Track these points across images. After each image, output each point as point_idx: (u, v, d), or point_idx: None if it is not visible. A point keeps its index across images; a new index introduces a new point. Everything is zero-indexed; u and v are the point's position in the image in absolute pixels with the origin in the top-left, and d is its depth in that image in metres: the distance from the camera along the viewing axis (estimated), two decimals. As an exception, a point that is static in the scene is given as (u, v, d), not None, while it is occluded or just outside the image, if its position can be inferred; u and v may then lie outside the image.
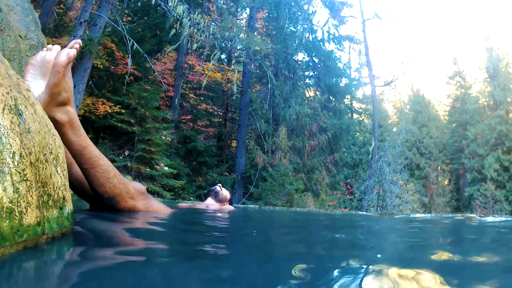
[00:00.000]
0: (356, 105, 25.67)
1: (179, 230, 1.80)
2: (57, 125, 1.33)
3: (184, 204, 3.24)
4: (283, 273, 0.80)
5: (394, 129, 24.59)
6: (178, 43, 11.43)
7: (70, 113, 1.41)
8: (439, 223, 2.81)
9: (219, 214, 2.70)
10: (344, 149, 17.57)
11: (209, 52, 14.11)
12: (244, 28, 12.55)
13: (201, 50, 15.81)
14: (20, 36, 3.40)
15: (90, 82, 10.25)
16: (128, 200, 1.62)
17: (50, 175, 1.22)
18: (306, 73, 17.48)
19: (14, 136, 1.00)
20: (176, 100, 14.62)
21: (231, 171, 14.59)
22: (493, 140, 22.61)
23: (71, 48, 1.29)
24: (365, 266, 0.88)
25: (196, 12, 10.51)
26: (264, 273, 0.81)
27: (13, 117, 1.03)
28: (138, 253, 1.24)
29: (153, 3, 9.78)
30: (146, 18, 13.43)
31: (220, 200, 3.17)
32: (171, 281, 0.88)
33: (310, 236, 1.79)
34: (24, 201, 0.99)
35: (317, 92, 16.82)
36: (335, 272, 0.82)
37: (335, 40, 16.99)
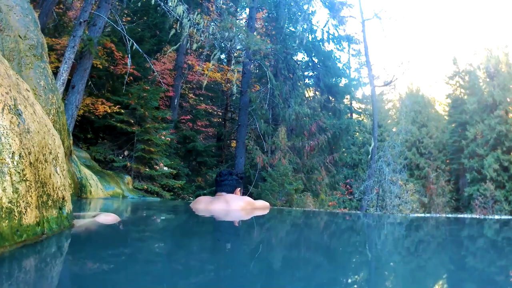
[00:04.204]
0: (355, 105, 25.65)
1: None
2: None
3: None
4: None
5: (394, 129, 24.56)
6: (178, 43, 11.43)
7: None
8: None
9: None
10: (343, 149, 17.55)
11: (208, 52, 14.11)
12: (244, 28, 12.53)
13: (200, 50, 15.81)
14: (19, 36, 3.40)
15: (90, 82, 10.24)
16: None
17: (50, 175, 1.22)
18: (306, 73, 17.47)
19: (14, 136, 1.00)
20: (176, 100, 14.61)
21: (230, 171, 14.55)
22: (492, 140, 22.59)
23: None
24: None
25: (196, 12, 10.50)
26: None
27: (12, 117, 1.03)
28: (136, 253, 1.25)
29: (152, 3, 9.77)
30: (145, 18, 13.42)
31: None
32: (167, 279, 0.88)
33: None
34: (23, 201, 0.99)
35: (317, 92, 16.81)
36: None
37: (335, 40, 16.98)
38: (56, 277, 0.85)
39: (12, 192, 0.92)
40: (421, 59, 60.84)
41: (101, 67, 10.39)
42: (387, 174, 14.04)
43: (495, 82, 24.01)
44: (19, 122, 1.03)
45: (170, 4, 9.12)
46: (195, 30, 10.10)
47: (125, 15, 13.61)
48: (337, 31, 16.81)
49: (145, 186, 9.66)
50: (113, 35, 10.73)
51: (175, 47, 11.49)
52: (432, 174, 22.84)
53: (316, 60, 16.60)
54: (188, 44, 14.23)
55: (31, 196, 1.00)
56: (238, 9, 18.40)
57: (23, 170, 0.98)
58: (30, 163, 1.03)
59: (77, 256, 1.07)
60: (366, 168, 17.88)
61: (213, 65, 13.47)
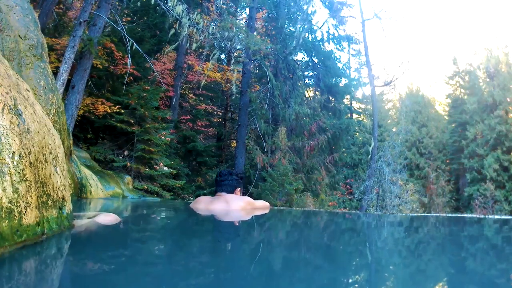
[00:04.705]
0: (355, 105, 25.65)
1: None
2: None
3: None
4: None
5: (394, 129, 24.57)
6: (177, 43, 11.42)
7: None
8: None
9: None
10: (343, 149, 17.55)
11: (208, 52, 14.10)
12: (244, 28, 12.52)
13: (200, 50, 15.81)
14: (19, 36, 3.40)
15: (90, 82, 10.23)
16: None
17: (50, 175, 1.22)
18: (306, 73, 17.47)
19: (14, 136, 1.00)
20: (176, 100, 14.61)
21: (230, 171, 14.55)
22: (492, 140, 22.59)
23: None
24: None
25: (196, 12, 10.50)
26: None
27: (12, 117, 1.03)
28: (136, 253, 1.25)
29: (152, 3, 9.76)
30: (145, 18, 13.42)
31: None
32: (165, 280, 0.88)
33: None
34: (23, 201, 0.99)
35: (317, 92, 16.80)
36: None
37: (335, 40, 16.97)
38: (56, 278, 0.85)
39: (12, 192, 0.91)
40: (421, 59, 60.83)
41: (101, 67, 10.39)
42: (387, 174, 14.04)
43: (495, 82, 24.00)
44: (19, 122, 1.02)
45: (169, 3, 9.12)
46: (194, 30, 10.09)
47: (125, 15, 13.61)
48: (337, 31, 16.81)
49: (145, 186, 9.66)
50: (113, 35, 10.72)
51: (173, 46, 11.47)
52: (432, 174, 22.85)
53: (316, 60, 16.60)
54: (188, 44, 14.23)
55: (31, 196, 1.00)
56: (238, 9, 18.39)
57: (23, 170, 0.98)
58: (30, 163, 1.03)
59: (77, 257, 1.07)
60: (366, 168, 17.87)
61: (212, 65, 13.47)
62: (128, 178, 9.18)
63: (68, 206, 1.32)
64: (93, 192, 5.25)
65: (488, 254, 1.69)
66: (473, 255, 1.62)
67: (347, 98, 21.37)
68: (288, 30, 15.27)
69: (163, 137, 10.81)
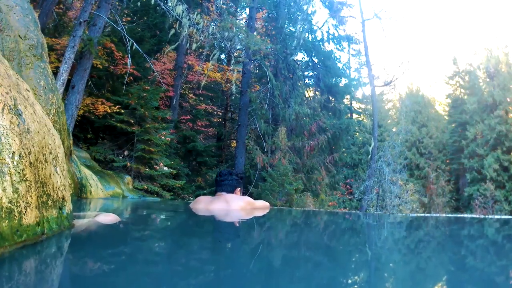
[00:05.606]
0: (355, 105, 25.65)
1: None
2: None
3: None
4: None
5: (394, 129, 24.56)
6: (178, 43, 11.42)
7: None
8: None
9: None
10: (343, 149, 17.54)
11: (208, 52, 14.10)
12: (244, 28, 12.52)
13: (200, 50, 15.81)
14: (19, 36, 3.40)
15: (90, 82, 10.23)
16: None
17: (50, 175, 1.22)
18: (306, 73, 17.47)
19: (14, 136, 1.00)
20: (176, 100, 14.61)
21: (230, 171, 14.54)
22: (492, 140, 22.58)
23: None
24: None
25: (196, 12, 10.50)
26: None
27: (12, 117, 1.04)
28: (136, 253, 1.25)
29: (152, 3, 9.77)
30: (145, 18, 13.42)
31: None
32: (165, 280, 0.88)
33: None
34: (23, 201, 0.99)
35: (317, 92, 16.80)
36: None
37: (335, 40, 16.97)
38: (56, 278, 0.85)
39: (12, 192, 0.92)
40: (421, 59, 60.83)
41: (101, 67, 10.39)
42: (387, 174, 14.03)
43: (495, 82, 24.00)
44: (19, 122, 1.03)
45: (169, 4, 9.12)
46: (194, 30, 10.10)
47: (125, 15, 13.61)
48: (337, 31, 16.82)
49: (145, 186, 9.66)
50: (113, 35, 10.72)
51: (173, 46, 11.47)
52: (432, 174, 22.84)
53: (316, 60, 16.59)
54: (188, 44, 14.24)
55: (31, 196, 1.00)
56: (238, 9, 18.40)
57: (23, 170, 0.98)
58: (30, 163, 1.03)
59: (77, 256, 1.07)
60: (366, 168, 17.87)
61: (212, 65, 13.47)
62: (128, 178, 9.18)
63: (68, 206, 1.32)
64: (93, 192, 5.25)
65: (488, 252, 1.69)
66: (473, 253, 1.62)
67: (347, 98, 21.36)
68: (288, 30, 15.26)
69: (163, 137, 10.81)
